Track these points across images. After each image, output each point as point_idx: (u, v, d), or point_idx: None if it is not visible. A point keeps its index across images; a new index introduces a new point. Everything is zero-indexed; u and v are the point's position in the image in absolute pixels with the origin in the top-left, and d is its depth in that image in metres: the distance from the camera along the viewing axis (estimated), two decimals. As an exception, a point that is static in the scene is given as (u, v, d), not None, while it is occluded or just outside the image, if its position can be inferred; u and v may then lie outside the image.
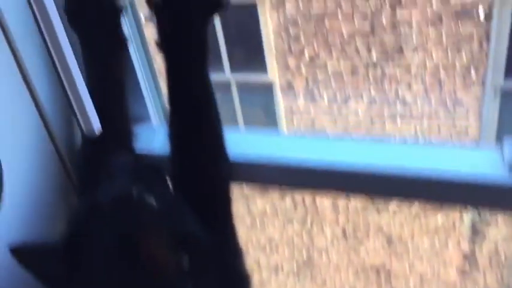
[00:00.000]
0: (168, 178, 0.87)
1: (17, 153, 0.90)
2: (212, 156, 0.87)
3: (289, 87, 4.13)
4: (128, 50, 0.97)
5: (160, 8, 0.80)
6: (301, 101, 4.16)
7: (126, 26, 0.99)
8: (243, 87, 4.38)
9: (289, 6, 3.80)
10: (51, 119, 0.97)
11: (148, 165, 0.85)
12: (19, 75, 0.91)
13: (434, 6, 3.47)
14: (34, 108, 0.93)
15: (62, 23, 0.86)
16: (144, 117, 1.07)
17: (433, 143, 0.98)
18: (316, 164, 0.90)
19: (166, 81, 0.85)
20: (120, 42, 0.93)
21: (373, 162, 0.87)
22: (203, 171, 0.86)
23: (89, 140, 0.98)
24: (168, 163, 0.87)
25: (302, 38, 3.89)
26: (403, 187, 0.88)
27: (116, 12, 0.90)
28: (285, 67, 4.06)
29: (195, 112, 0.85)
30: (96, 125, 0.79)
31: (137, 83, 1.04)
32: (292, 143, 1.00)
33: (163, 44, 0.82)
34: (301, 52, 3.95)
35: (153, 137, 1.03)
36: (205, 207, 0.84)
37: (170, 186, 0.86)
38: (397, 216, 4.11)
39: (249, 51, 4.32)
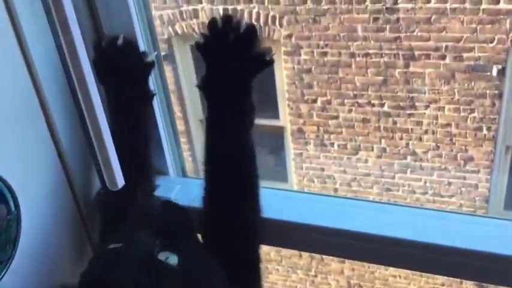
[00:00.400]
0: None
1: (35, 199, 0.90)
2: (248, 213, 0.85)
3: (300, 134, 4.15)
4: (153, 104, 0.98)
5: (210, 55, 0.80)
6: (311, 148, 4.17)
7: (151, 78, 1.00)
8: (254, 131, 4.40)
9: (304, 54, 3.86)
10: (72, 166, 0.98)
11: (175, 214, 0.82)
12: (44, 125, 0.92)
13: (447, 61, 3.51)
14: (57, 157, 0.94)
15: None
16: (163, 170, 1.07)
17: (444, 211, 0.98)
18: (320, 227, 0.90)
19: (205, 132, 0.84)
20: (146, 96, 0.94)
21: (378, 229, 0.86)
22: (238, 228, 0.84)
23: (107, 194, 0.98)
24: (198, 217, 0.85)
25: (315, 86, 3.94)
26: (410, 256, 0.88)
27: (145, 67, 0.92)
28: (296, 113, 4.09)
29: (235, 167, 0.83)
30: (120, 180, 0.79)
31: (157, 135, 1.05)
32: (293, 199, 1.00)
33: (208, 91, 0.83)
34: (314, 99, 3.99)
35: (170, 190, 1.03)
36: (236, 266, 0.82)
37: (199, 238, 0.84)
38: (403, 271, 4.05)
39: (262, 95, 4.36)
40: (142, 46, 0.95)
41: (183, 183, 1.06)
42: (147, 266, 0.70)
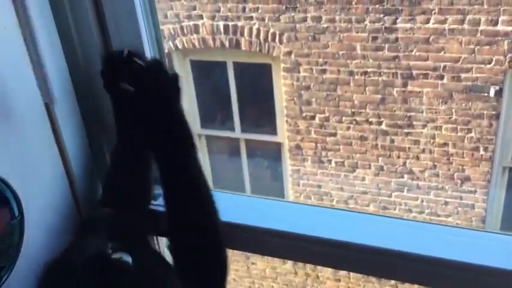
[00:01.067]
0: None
1: (38, 205, 0.91)
2: (203, 219, 0.88)
3: (297, 150, 4.16)
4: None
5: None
6: (308, 165, 4.17)
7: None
8: (251, 146, 4.42)
9: (303, 71, 3.89)
10: (76, 175, 0.98)
11: (130, 222, 0.85)
12: (50, 132, 0.92)
13: (445, 81, 3.55)
14: (62, 165, 0.94)
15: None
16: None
17: (440, 225, 0.98)
18: (313, 237, 0.90)
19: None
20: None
21: (376, 240, 0.87)
22: (196, 232, 0.87)
23: (107, 198, 0.98)
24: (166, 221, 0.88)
25: (314, 103, 3.96)
26: (405, 269, 0.88)
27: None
28: (295, 130, 4.10)
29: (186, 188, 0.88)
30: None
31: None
32: (287, 210, 1.01)
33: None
34: (312, 116, 4.01)
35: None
36: (198, 272, 0.85)
37: (154, 244, 0.86)
38: (399, 289, 4.03)
39: (260, 111, 4.39)
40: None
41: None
42: (101, 265, 0.71)
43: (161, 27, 4.08)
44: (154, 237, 1.09)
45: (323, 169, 4.15)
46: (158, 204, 1.02)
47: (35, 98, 0.89)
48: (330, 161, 4.10)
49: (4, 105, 0.83)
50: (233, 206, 1.00)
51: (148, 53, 0.97)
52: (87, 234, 0.77)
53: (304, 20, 3.73)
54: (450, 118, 3.63)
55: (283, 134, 4.20)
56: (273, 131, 4.26)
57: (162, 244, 1.11)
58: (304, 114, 4.02)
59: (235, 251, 1.01)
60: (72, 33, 0.93)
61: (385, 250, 0.86)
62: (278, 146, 4.30)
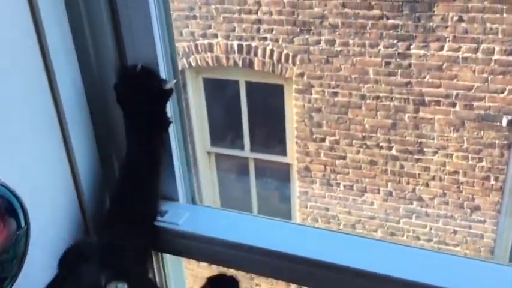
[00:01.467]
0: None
1: (45, 217, 0.91)
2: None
3: (306, 172, 4.15)
4: (169, 130, 0.99)
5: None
6: (317, 187, 4.15)
7: (170, 106, 1.01)
8: (260, 166, 4.41)
9: (315, 93, 3.89)
10: (85, 189, 0.98)
11: (124, 248, 0.84)
12: (62, 144, 0.93)
13: (457, 108, 3.53)
14: (71, 178, 0.95)
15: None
16: (173, 196, 1.07)
17: (450, 254, 0.97)
18: (310, 260, 0.89)
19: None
20: (163, 123, 0.95)
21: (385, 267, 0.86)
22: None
23: (114, 212, 0.98)
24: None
25: (324, 125, 3.96)
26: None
27: (164, 95, 0.93)
28: (304, 151, 4.09)
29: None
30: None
31: (171, 162, 1.05)
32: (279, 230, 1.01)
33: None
34: (322, 138, 4.00)
35: (179, 216, 1.03)
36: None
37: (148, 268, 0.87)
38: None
39: (270, 131, 4.39)
40: (164, 75, 0.96)
41: (192, 210, 1.06)
42: None
43: (176, 44, 4.13)
44: (158, 254, 1.09)
45: (331, 192, 4.12)
46: (164, 220, 1.02)
47: (47, 111, 0.90)
48: (338, 184, 4.08)
49: (16, 116, 0.84)
50: (234, 225, 1.00)
51: (163, 68, 0.98)
52: (79, 264, 0.77)
53: (318, 42, 3.75)
54: (461, 146, 3.61)
55: (292, 155, 4.19)
56: (283, 152, 4.25)
57: (165, 260, 1.10)
58: (314, 136, 4.01)
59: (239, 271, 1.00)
60: (89, 47, 0.94)
61: (391, 278, 0.85)
62: (287, 167, 4.29)
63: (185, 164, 1.07)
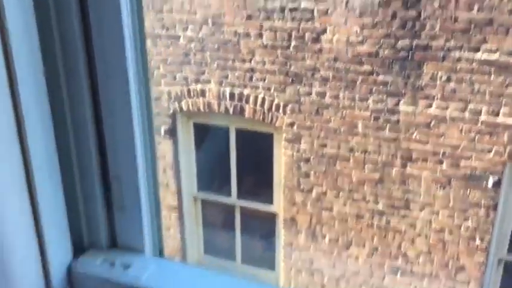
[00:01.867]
0: None
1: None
2: None
3: (292, 222, 4.11)
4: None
5: None
6: (302, 238, 4.10)
7: (141, 152, 0.99)
8: (246, 214, 4.37)
9: (304, 143, 3.90)
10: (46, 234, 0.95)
11: None
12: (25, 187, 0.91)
13: (444, 167, 3.54)
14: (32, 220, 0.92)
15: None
16: (138, 247, 1.04)
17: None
18: None
19: None
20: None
21: None
22: None
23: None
24: None
25: (312, 176, 3.94)
26: None
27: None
28: (291, 202, 4.06)
29: None
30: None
31: (138, 210, 1.02)
32: None
33: None
34: (309, 190, 3.98)
35: (143, 269, 1.00)
36: None
37: None
38: None
39: (258, 179, 4.37)
40: (137, 122, 0.95)
41: (158, 263, 1.02)
42: None
43: (169, 88, 4.17)
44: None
45: (316, 243, 4.07)
46: (127, 274, 0.98)
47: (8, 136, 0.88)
48: (324, 237, 4.03)
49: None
50: (198, 283, 0.97)
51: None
52: None
53: (309, 93, 3.78)
54: (448, 204, 3.60)
55: (279, 205, 4.16)
56: (269, 201, 4.22)
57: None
58: (301, 187, 4.00)
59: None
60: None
61: None
62: (273, 216, 4.25)
63: (154, 212, 1.04)
